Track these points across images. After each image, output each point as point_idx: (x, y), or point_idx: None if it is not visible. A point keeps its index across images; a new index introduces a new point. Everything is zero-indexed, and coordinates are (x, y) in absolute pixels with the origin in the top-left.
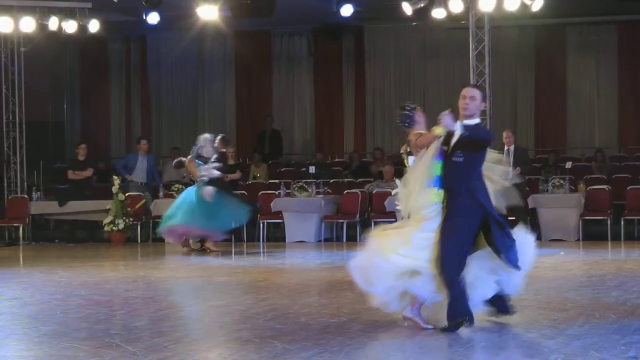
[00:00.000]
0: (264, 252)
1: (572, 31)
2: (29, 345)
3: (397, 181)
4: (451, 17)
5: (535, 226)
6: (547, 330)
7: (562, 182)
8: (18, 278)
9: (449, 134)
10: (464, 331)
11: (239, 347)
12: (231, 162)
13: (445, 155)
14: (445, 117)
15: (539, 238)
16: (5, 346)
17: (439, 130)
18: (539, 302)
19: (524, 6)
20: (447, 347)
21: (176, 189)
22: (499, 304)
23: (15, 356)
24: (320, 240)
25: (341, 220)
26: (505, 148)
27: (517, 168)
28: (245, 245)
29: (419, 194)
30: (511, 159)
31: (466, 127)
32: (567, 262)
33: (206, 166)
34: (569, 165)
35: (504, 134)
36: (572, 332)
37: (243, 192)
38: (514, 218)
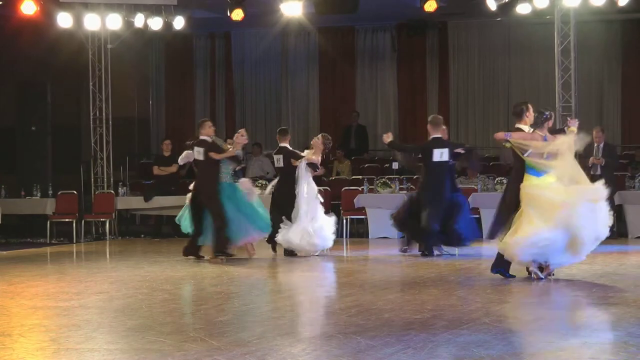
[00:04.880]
0: (347, 248)
1: None
2: (116, 338)
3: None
4: (536, 12)
5: (621, 223)
6: (634, 329)
7: None
8: (105, 272)
9: None
10: (550, 330)
11: (322, 342)
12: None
13: None
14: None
15: (625, 235)
16: (92, 339)
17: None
18: (626, 300)
19: (611, 1)
20: (534, 343)
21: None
22: None
23: (102, 349)
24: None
25: None
26: (595, 145)
27: (600, 158)
28: None
29: None
30: (600, 156)
31: None
32: None
33: None
34: None
35: (594, 132)
36: None
37: (327, 187)
38: None
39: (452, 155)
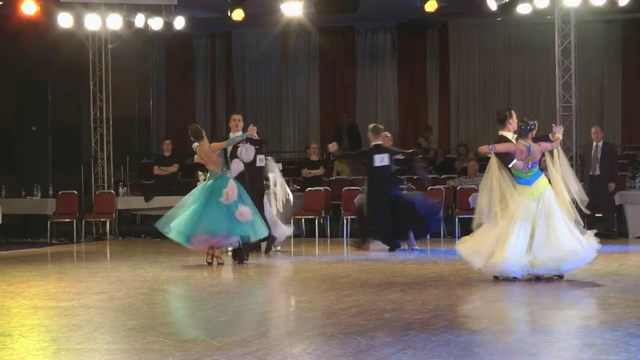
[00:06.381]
0: (347, 248)
1: None
2: (116, 338)
3: None
4: (536, 12)
5: (622, 223)
6: (634, 329)
7: None
8: (105, 272)
9: None
10: (550, 330)
11: (322, 342)
12: (314, 158)
13: None
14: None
15: (625, 235)
16: (93, 339)
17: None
18: (626, 300)
19: (611, 1)
20: (533, 344)
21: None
22: None
23: (102, 349)
24: None
25: None
26: (594, 144)
27: (611, 185)
28: (328, 241)
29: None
30: (599, 155)
31: None
32: None
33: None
34: None
35: (593, 130)
36: None
37: (327, 188)
38: (601, 215)
39: (394, 160)
